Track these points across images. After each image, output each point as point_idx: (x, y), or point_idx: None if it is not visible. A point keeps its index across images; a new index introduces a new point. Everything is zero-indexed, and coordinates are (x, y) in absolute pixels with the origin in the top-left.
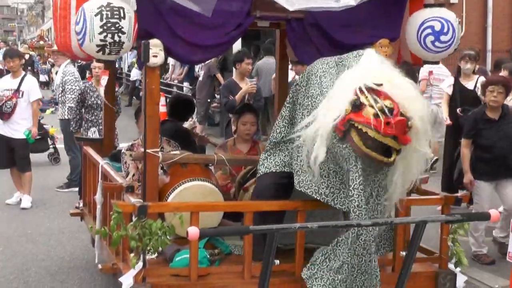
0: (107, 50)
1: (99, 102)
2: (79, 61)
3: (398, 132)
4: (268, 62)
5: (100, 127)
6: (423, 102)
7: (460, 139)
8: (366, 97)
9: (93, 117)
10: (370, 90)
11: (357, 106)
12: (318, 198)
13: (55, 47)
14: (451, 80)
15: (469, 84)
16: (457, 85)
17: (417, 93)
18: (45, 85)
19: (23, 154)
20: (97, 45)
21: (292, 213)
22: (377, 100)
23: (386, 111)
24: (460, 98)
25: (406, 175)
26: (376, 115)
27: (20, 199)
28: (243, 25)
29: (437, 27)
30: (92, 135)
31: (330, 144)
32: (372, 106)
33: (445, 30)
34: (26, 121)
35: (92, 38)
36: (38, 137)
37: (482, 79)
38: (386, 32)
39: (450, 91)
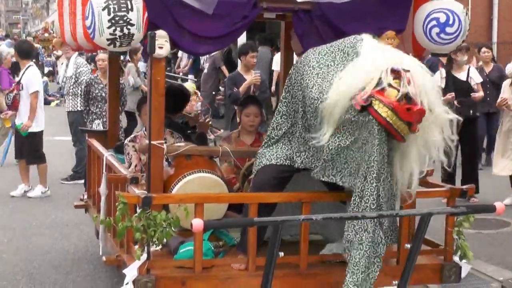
0: (117, 43)
1: (103, 94)
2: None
3: (415, 120)
4: (262, 51)
5: (105, 120)
6: (439, 95)
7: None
8: (395, 79)
9: (98, 109)
10: (396, 72)
11: (381, 86)
12: (324, 179)
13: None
14: (442, 72)
15: (461, 75)
16: (450, 77)
17: (433, 83)
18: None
19: (30, 148)
20: (107, 39)
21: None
22: (404, 84)
23: (411, 95)
24: (454, 90)
25: (411, 163)
26: (399, 99)
27: (25, 191)
28: (249, 17)
29: (442, 18)
30: (96, 127)
31: (344, 118)
32: (396, 89)
33: (451, 22)
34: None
35: (101, 33)
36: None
37: (473, 69)
38: (393, 24)
39: (442, 83)
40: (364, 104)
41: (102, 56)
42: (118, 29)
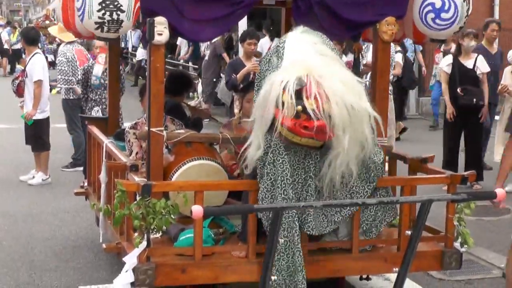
0: (105, 28)
1: (102, 81)
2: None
3: (317, 135)
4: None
5: (104, 107)
6: (355, 91)
7: (463, 129)
8: (289, 96)
9: (97, 96)
10: (296, 88)
11: (279, 104)
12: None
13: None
14: (449, 58)
15: (468, 63)
16: (456, 64)
17: (347, 82)
18: (50, 65)
19: (33, 135)
20: (96, 23)
21: None
22: (299, 100)
23: (310, 112)
24: (460, 77)
25: (343, 157)
26: (297, 116)
27: (34, 177)
28: (248, 0)
29: (438, 4)
30: (96, 114)
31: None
32: (293, 107)
33: (446, 7)
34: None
35: (90, 15)
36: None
37: (481, 58)
38: (392, 10)
39: (448, 70)
40: (269, 124)
41: (99, 43)
42: (108, 13)
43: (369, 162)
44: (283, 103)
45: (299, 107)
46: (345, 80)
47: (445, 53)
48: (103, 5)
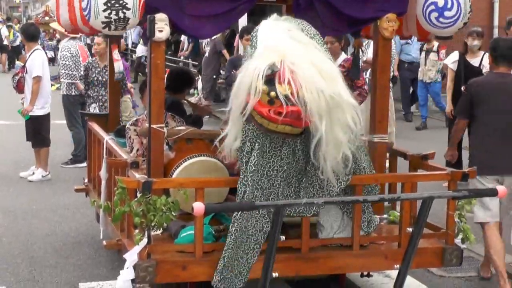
0: (112, 27)
1: (100, 78)
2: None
3: (292, 121)
4: None
5: (101, 104)
6: (330, 77)
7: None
8: (261, 82)
9: (95, 93)
10: (270, 74)
11: (255, 92)
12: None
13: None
14: (455, 56)
15: (474, 61)
16: (462, 61)
17: (322, 67)
18: (50, 61)
19: (33, 131)
20: (102, 22)
21: None
22: (272, 86)
23: (282, 98)
24: (465, 75)
25: (329, 144)
26: (270, 102)
27: (33, 173)
28: None
29: (441, 3)
30: (93, 111)
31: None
32: (266, 94)
33: (449, 6)
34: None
35: (97, 15)
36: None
37: (488, 55)
38: (393, 6)
39: (454, 67)
40: (245, 113)
41: (98, 39)
42: (114, 12)
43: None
44: (257, 90)
45: (273, 93)
46: (320, 65)
47: (428, 52)
48: (109, 4)
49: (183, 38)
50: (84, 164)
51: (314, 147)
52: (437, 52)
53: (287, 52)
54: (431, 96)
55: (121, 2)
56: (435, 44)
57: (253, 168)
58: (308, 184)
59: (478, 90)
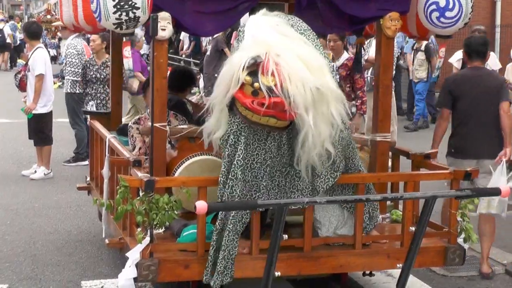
0: (124, 27)
1: (98, 76)
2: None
3: (276, 113)
4: None
5: (98, 101)
6: (317, 69)
7: None
8: (244, 73)
9: (93, 91)
10: (253, 65)
11: (239, 83)
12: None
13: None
14: (460, 54)
15: None
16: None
17: (308, 60)
18: (52, 59)
19: (35, 129)
20: (114, 23)
21: None
22: (256, 77)
23: (264, 89)
24: None
25: (315, 138)
26: (254, 94)
27: (35, 171)
28: None
29: (442, 3)
30: (91, 108)
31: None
32: (249, 85)
33: (450, 6)
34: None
35: (107, 18)
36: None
37: (493, 55)
38: (396, 5)
39: (459, 65)
40: (229, 105)
41: (93, 36)
42: (124, 13)
43: (337, 147)
44: (239, 82)
45: (256, 84)
46: (306, 58)
47: (416, 51)
48: (118, 6)
49: (182, 36)
50: (87, 162)
51: (299, 141)
52: (430, 50)
53: (273, 45)
54: (414, 94)
55: (130, 2)
56: (424, 43)
57: (242, 162)
58: (292, 179)
59: (456, 83)
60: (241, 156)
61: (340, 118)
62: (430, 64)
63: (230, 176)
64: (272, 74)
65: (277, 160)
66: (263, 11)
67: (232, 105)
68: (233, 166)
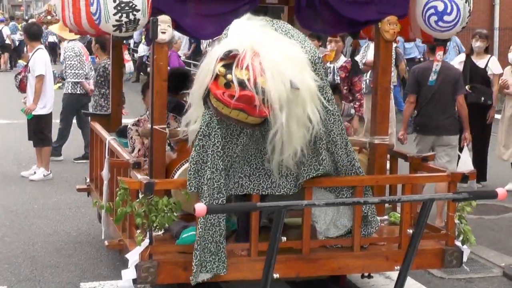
0: (123, 29)
1: (97, 78)
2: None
3: (245, 107)
4: None
5: (93, 103)
6: (297, 66)
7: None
8: (218, 65)
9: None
10: (230, 58)
11: (214, 75)
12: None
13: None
14: (462, 56)
15: (480, 62)
16: (468, 62)
17: (289, 57)
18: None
19: (35, 130)
20: (113, 25)
21: None
22: (230, 69)
23: (236, 82)
24: (470, 75)
25: (286, 137)
26: (226, 85)
27: (35, 172)
28: None
29: (440, 7)
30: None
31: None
32: (223, 76)
33: (449, 10)
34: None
35: (107, 19)
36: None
37: (494, 59)
38: (394, 8)
39: (461, 68)
40: (204, 97)
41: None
42: (124, 15)
43: (320, 148)
44: (214, 73)
45: (229, 76)
46: (286, 54)
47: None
48: (119, 8)
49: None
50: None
51: (269, 138)
52: (397, 55)
53: (252, 40)
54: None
55: (130, 4)
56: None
57: (221, 152)
58: (262, 174)
59: (420, 72)
60: (219, 148)
61: (318, 116)
62: (398, 69)
63: (210, 168)
64: (247, 68)
65: (254, 148)
66: (248, 15)
67: (206, 97)
68: (212, 157)
